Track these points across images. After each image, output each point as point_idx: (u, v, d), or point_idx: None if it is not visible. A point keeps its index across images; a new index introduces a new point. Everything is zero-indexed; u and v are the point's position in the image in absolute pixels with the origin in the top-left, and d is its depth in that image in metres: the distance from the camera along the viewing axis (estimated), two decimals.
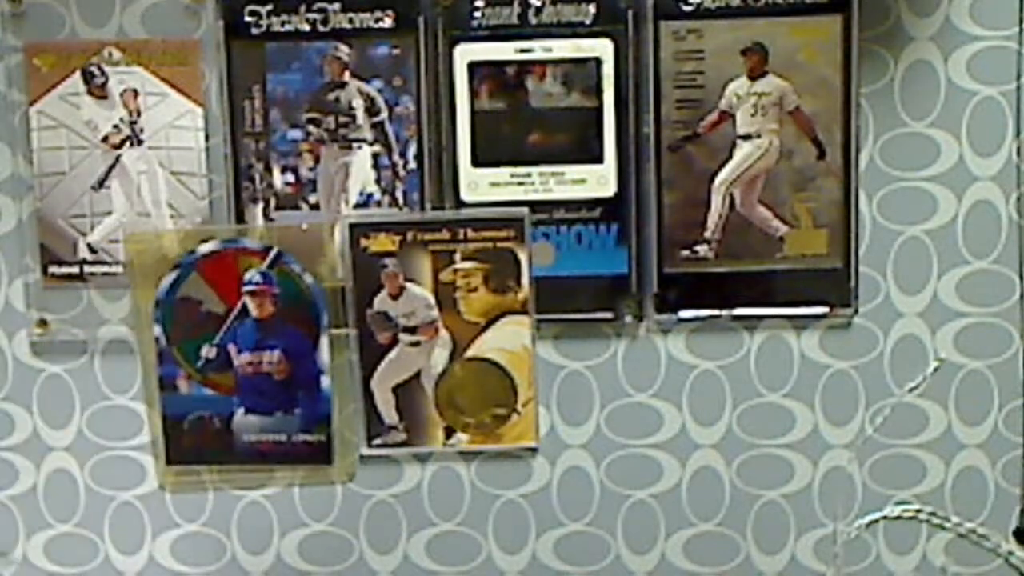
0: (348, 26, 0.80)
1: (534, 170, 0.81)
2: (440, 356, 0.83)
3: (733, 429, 0.84)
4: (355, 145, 0.81)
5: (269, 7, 0.80)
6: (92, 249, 0.82)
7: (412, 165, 0.81)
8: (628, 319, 0.82)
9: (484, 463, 0.85)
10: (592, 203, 0.81)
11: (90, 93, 0.81)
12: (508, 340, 0.82)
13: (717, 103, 0.80)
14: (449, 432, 0.84)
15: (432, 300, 0.82)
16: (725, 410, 0.84)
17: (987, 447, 0.84)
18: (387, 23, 0.80)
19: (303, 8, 0.80)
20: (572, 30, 0.80)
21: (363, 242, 0.81)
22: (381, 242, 0.81)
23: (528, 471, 0.85)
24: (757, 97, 0.80)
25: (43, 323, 0.83)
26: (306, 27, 0.80)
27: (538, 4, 0.80)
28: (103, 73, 0.81)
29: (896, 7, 0.80)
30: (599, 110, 0.80)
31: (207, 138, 0.82)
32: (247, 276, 0.82)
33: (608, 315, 0.82)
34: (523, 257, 0.81)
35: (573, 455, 0.85)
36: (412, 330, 0.82)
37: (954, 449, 0.84)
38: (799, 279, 0.82)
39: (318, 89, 0.81)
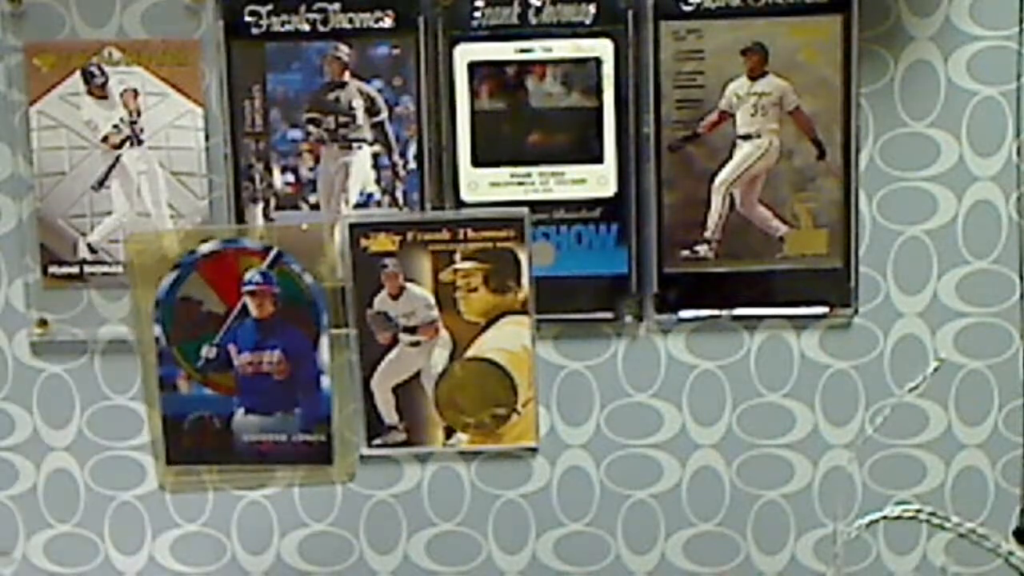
0: (348, 26, 0.80)
1: (534, 170, 0.81)
2: (440, 356, 0.83)
3: (733, 429, 0.84)
4: (355, 145, 0.81)
5: (269, 7, 0.80)
6: (92, 249, 0.82)
7: (412, 165, 0.81)
8: (628, 319, 0.82)
9: (484, 463, 0.85)
10: (592, 203, 0.81)
11: (90, 93, 0.81)
12: (508, 340, 0.82)
13: (717, 103, 0.80)
14: (449, 432, 0.84)
15: (432, 300, 0.82)
16: (725, 410, 0.84)
17: (987, 447, 0.84)
18: (387, 23, 0.80)
19: (303, 8, 0.80)
20: (572, 30, 0.80)
21: (363, 242, 0.81)
22: (381, 242, 0.81)
23: (528, 471, 0.85)
24: (757, 97, 0.80)
25: (43, 323, 0.83)
26: (306, 27, 0.80)
27: (538, 4, 0.80)
28: (103, 73, 0.81)
29: (896, 7, 0.80)
30: (599, 110, 0.80)
31: (207, 138, 0.82)
32: (247, 276, 0.82)
33: (608, 315, 0.82)
34: (523, 257, 0.81)
35: (573, 455, 0.85)
36: (412, 330, 0.82)
37: (954, 449, 0.84)
38: (799, 279, 0.82)
39: (318, 89, 0.81)
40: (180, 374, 0.83)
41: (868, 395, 0.83)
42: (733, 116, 0.80)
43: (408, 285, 0.82)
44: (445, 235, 0.81)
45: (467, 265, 0.81)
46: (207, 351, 0.82)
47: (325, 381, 0.83)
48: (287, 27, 0.80)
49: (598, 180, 0.81)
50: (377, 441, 0.84)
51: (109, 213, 0.82)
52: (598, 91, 0.80)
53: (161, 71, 0.81)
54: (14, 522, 0.86)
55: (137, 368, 0.84)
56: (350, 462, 0.84)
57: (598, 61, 0.80)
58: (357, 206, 0.82)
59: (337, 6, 0.80)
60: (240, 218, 0.82)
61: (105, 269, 0.83)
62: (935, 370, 0.83)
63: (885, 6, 0.80)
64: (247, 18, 0.80)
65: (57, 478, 0.85)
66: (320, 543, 0.86)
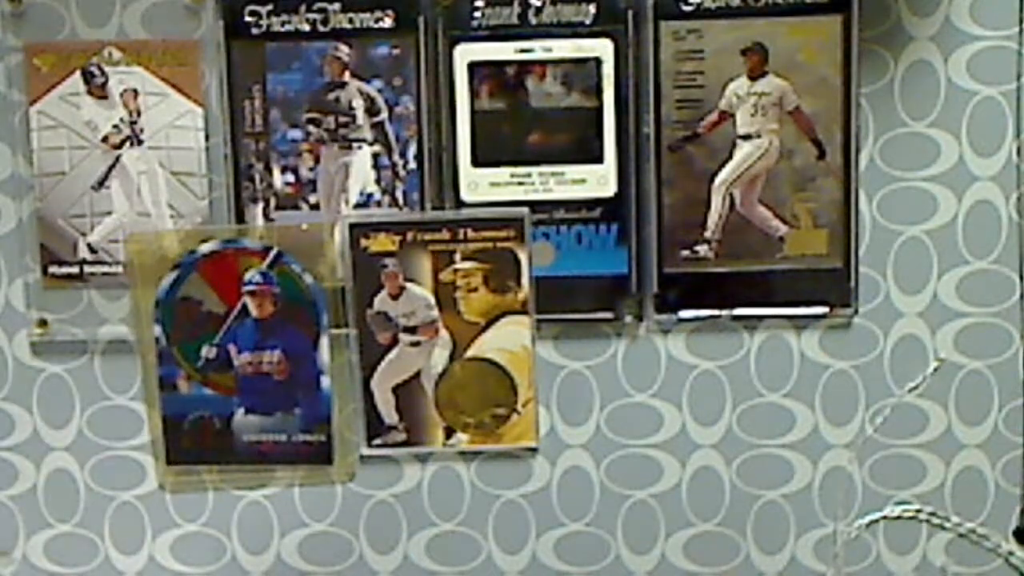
0: (348, 26, 0.80)
1: (534, 170, 0.81)
2: (440, 356, 0.83)
3: (733, 429, 0.84)
4: (355, 145, 0.81)
5: (269, 7, 0.80)
6: (92, 249, 0.82)
7: (412, 165, 0.81)
8: (628, 319, 0.82)
9: (484, 463, 0.85)
10: (592, 203, 0.81)
11: (90, 93, 0.81)
12: (508, 340, 0.82)
13: (717, 103, 0.80)
14: (449, 432, 0.84)
15: (432, 300, 0.82)
16: (725, 410, 0.84)
17: (987, 447, 0.84)
18: (387, 23, 0.80)
19: (303, 8, 0.80)
20: (572, 30, 0.80)
21: (363, 242, 0.81)
22: (381, 242, 0.81)
23: (528, 471, 0.85)
24: (757, 97, 0.80)
25: (43, 323, 0.83)
26: (306, 27, 0.80)
27: (538, 4, 0.80)
28: (103, 73, 0.81)
29: (896, 7, 0.80)
30: (599, 110, 0.80)
31: (207, 138, 0.82)
32: (247, 276, 0.82)
33: (608, 315, 0.82)
34: (523, 257, 0.81)
35: (573, 455, 0.85)
36: (412, 330, 0.82)
37: (954, 449, 0.84)
38: (799, 279, 0.82)
39: (318, 89, 0.81)
40: (180, 374, 0.83)
41: (868, 395, 0.83)
42: (733, 116, 0.80)
43: (408, 285, 0.82)
44: (445, 235, 0.81)
45: (467, 265, 0.81)
46: (207, 351, 0.82)
47: (325, 381, 0.83)
48: (287, 27, 0.80)
49: (598, 180, 0.81)
50: (377, 441, 0.84)
51: (109, 213, 0.82)
52: (598, 91, 0.80)
53: (161, 71, 0.81)
54: (14, 522, 0.86)
55: (137, 368, 0.84)
56: (350, 462, 0.84)
57: (598, 61, 0.80)
58: (357, 206, 0.82)
59: (337, 6, 0.80)
60: (240, 218, 0.82)
61: (105, 269, 0.83)
62: (935, 370, 0.83)
63: (885, 6, 0.80)
64: (247, 18, 0.80)
65: (57, 478, 0.85)
66: (320, 543, 0.86)
